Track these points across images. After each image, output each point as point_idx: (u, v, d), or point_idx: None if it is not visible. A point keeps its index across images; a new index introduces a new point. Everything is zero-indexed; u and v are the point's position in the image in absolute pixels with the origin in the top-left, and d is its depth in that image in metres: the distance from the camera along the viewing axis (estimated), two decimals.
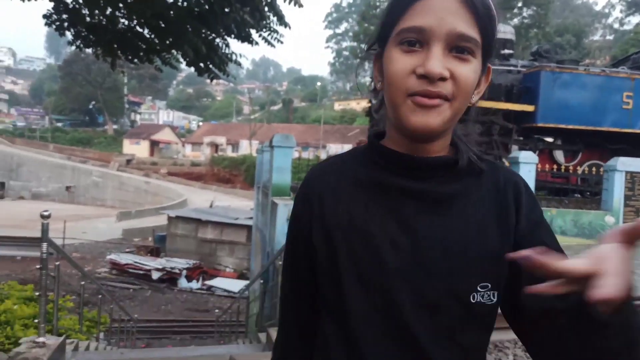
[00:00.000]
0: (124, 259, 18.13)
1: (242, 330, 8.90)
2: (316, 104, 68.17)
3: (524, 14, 32.31)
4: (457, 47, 0.71)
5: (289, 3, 6.55)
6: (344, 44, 77.08)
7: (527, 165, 8.54)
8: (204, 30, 7.24)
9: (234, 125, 56.23)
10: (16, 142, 48.87)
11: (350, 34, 49.57)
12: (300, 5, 7.03)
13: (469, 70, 0.71)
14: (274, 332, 4.29)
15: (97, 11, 9.04)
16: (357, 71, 1.19)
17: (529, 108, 10.28)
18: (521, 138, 10.85)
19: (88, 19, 9.18)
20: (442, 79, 0.70)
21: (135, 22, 8.84)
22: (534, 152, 9.59)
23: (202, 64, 7.98)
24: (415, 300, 0.75)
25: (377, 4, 36.43)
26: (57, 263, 4.41)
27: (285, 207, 6.57)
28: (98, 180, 38.35)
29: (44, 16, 9.34)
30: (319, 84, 78.50)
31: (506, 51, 10.83)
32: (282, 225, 6.56)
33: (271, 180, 7.56)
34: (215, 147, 49.19)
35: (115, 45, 9.17)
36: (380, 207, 0.78)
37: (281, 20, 6.91)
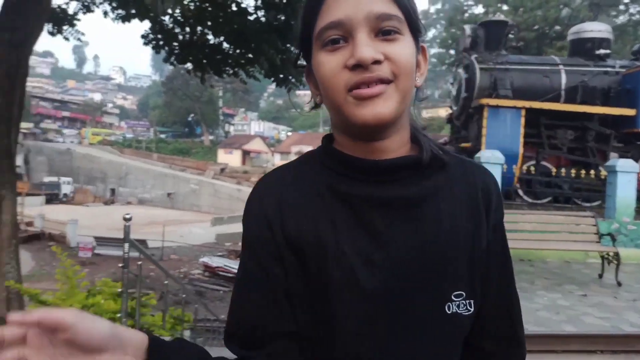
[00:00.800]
0: (216, 262, 19.10)
1: None
2: None
3: (631, 11, 29.55)
4: (382, 29, 0.66)
5: None
6: (432, 51, 75.56)
7: (627, 175, 7.81)
8: (279, 44, 7.51)
9: (321, 135, 57.10)
10: (125, 152, 53.72)
11: (438, 40, 48.38)
12: None
13: (401, 47, 0.67)
14: None
15: (188, 29, 9.78)
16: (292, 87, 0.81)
17: (630, 112, 9.42)
18: (620, 144, 9.93)
19: (180, 37, 9.96)
20: (377, 62, 0.65)
21: (221, 38, 9.43)
22: (636, 160, 8.72)
23: (280, 75, 8.29)
24: (391, 310, 0.70)
25: (465, 8, 35.34)
26: (139, 263, 4.77)
27: None
28: (195, 188, 40.92)
29: (142, 36, 10.30)
30: None
31: (602, 51, 10.02)
32: None
33: None
34: None
35: (205, 61, 9.85)
36: (348, 222, 0.71)
37: None
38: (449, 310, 0.71)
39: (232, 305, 0.75)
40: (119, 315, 4.52)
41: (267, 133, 68.45)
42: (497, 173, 8.21)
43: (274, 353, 0.71)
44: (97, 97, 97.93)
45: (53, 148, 49.09)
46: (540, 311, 5.09)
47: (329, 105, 0.72)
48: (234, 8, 7.81)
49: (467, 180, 0.76)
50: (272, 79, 8.30)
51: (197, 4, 7.49)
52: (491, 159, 7.86)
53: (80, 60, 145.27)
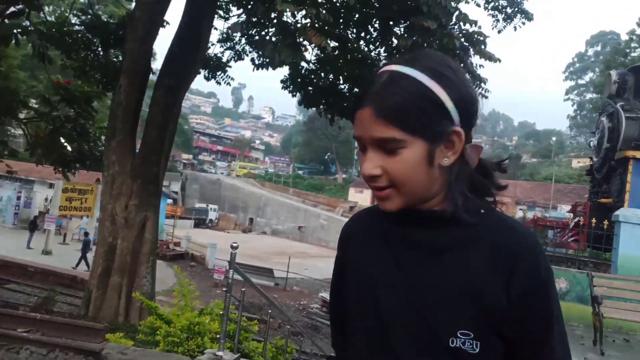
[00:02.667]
0: None
1: None
2: (549, 160, 62.25)
3: None
4: (382, 147, 0.85)
5: (482, 59, 6.49)
6: (587, 96, 69.37)
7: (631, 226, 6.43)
8: None
9: None
10: (265, 185, 57.80)
11: (593, 86, 44.36)
12: (497, 61, 6.87)
13: (397, 162, 0.85)
14: None
15: (322, 75, 10.50)
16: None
17: None
18: None
19: (313, 82, 10.72)
20: (375, 176, 0.86)
21: (350, 84, 9.95)
22: None
23: None
24: (404, 333, 0.87)
25: (627, 50, 32.05)
26: (243, 289, 5.12)
27: None
28: (324, 223, 42.24)
29: (281, 81, 11.31)
30: (554, 138, 71.66)
31: None
32: None
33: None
34: None
35: (335, 103, 10.45)
36: (385, 253, 0.93)
37: (475, 77, 6.89)
38: (452, 344, 0.84)
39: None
40: (218, 336, 4.88)
41: None
42: (638, 235, 7.20)
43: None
44: (247, 134, 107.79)
45: (206, 177, 54.86)
46: None
47: None
48: (359, 56, 8.19)
49: (494, 239, 0.87)
50: None
51: (329, 53, 8.07)
52: (631, 218, 6.96)
53: (237, 101, 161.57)
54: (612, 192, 9.17)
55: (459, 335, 0.84)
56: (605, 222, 7.90)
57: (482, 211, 0.89)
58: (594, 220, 8.22)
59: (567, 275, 7.57)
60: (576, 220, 9.66)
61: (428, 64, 0.86)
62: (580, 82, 77.85)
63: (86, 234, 18.05)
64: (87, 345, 3.94)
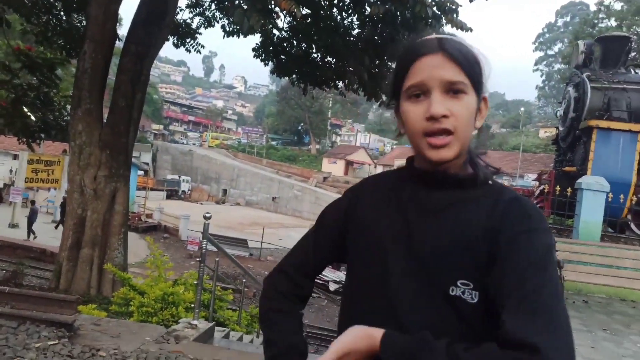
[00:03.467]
0: None
1: None
2: (518, 130, 63.48)
3: None
4: (450, 89, 0.91)
5: (453, 28, 6.49)
6: (556, 66, 70.49)
7: (593, 194, 6.92)
8: (366, 59, 7.64)
9: None
10: (238, 156, 57.28)
11: (562, 56, 44.96)
12: (468, 30, 6.89)
13: (462, 105, 0.91)
14: None
15: (295, 44, 10.33)
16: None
17: None
18: None
19: (286, 51, 10.55)
20: (445, 116, 0.90)
21: (322, 53, 9.83)
22: None
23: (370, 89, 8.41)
24: (404, 281, 0.92)
25: (595, 21, 32.47)
26: (217, 259, 5.14)
27: None
28: (298, 194, 42.37)
29: (253, 49, 11.07)
30: (522, 109, 72.83)
31: None
32: None
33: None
34: None
35: (308, 72, 10.33)
36: (392, 210, 0.99)
37: None
38: (452, 292, 0.88)
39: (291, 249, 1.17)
40: (192, 305, 4.91)
41: (372, 145, 68.64)
42: (599, 202, 7.49)
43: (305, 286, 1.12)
44: (219, 104, 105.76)
45: (177, 148, 53.93)
46: (627, 358, 4.58)
47: (410, 139, 0.98)
48: (332, 24, 8.08)
49: (496, 198, 0.94)
50: (362, 91, 8.43)
51: (303, 21, 7.92)
52: (593, 185, 7.21)
53: (208, 70, 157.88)
54: (576, 161, 9.43)
55: (458, 284, 0.88)
56: (569, 189, 8.16)
57: (490, 182, 0.97)
58: (557, 188, 8.49)
59: None
60: (541, 188, 9.94)
61: (465, 41, 0.96)
62: (550, 52, 78.93)
63: (32, 202, 17.53)
64: (59, 318, 3.91)
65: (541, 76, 78.05)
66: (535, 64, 78.35)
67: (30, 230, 16.48)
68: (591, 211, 7.35)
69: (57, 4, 10.01)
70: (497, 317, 0.81)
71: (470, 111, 0.92)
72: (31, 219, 16.70)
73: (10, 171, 25.47)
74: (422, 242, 0.93)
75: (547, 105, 77.76)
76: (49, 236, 16.47)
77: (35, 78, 10.40)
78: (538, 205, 9.64)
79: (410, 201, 0.98)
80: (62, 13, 10.21)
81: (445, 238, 0.91)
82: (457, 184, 0.96)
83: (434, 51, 0.92)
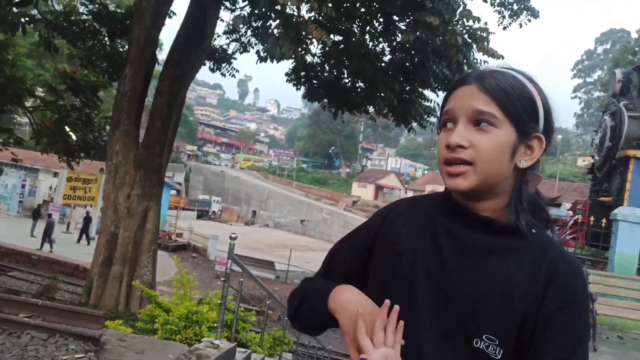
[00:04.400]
0: None
1: None
2: (554, 158, 62.02)
3: None
4: (477, 120, 0.88)
5: (484, 55, 6.50)
6: (595, 94, 68.98)
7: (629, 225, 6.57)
8: (396, 85, 7.70)
9: None
10: (269, 178, 57.84)
11: (603, 82, 44.01)
12: (499, 57, 6.88)
13: (487, 139, 0.87)
14: None
15: (326, 69, 10.52)
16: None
17: None
18: None
19: (318, 76, 10.74)
20: (462, 147, 0.88)
21: (352, 78, 9.97)
22: None
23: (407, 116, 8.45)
24: (432, 320, 0.90)
25: (637, 49, 31.77)
26: (241, 279, 5.18)
27: None
28: (327, 217, 42.30)
29: (286, 74, 11.32)
30: (559, 136, 71.29)
31: None
32: None
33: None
34: None
35: (338, 97, 10.48)
36: (427, 241, 0.95)
37: None
38: (476, 344, 0.86)
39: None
40: (215, 325, 4.95)
41: (403, 170, 68.26)
42: (636, 234, 7.21)
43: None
44: (252, 126, 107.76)
45: (210, 169, 54.96)
46: None
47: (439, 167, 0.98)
48: (362, 50, 8.21)
49: (539, 253, 0.90)
50: (392, 117, 8.48)
51: (335, 47, 8.08)
52: (629, 217, 6.96)
53: (243, 93, 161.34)
54: (612, 191, 9.16)
55: (484, 338, 0.86)
56: (604, 220, 7.91)
57: (533, 231, 0.92)
58: (592, 218, 8.24)
59: None
60: (575, 218, 9.66)
61: (521, 71, 0.93)
62: (589, 80, 77.36)
63: (49, 215, 17.94)
64: (87, 332, 4.02)
65: (579, 103, 76.44)
66: (574, 91, 76.81)
67: (44, 240, 16.80)
68: (627, 243, 7.08)
69: (102, 29, 10.53)
70: None
71: (497, 145, 0.88)
72: (48, 230, 17.08)
73: (50, 188, 26.46)
74: (457, 285, 0.89)
75: (586, 133, 75.89)
76: (82, 252, 16.95)
77: (78, 99, 10.90)
78: (571, 236, 9.36)
79: (447, 236, 0.94)
80: (106, 38, 10.71)
81: (482, 288, 0.88)
82: (496, 230, 0.91)
83: (470, 82, 0.91)
